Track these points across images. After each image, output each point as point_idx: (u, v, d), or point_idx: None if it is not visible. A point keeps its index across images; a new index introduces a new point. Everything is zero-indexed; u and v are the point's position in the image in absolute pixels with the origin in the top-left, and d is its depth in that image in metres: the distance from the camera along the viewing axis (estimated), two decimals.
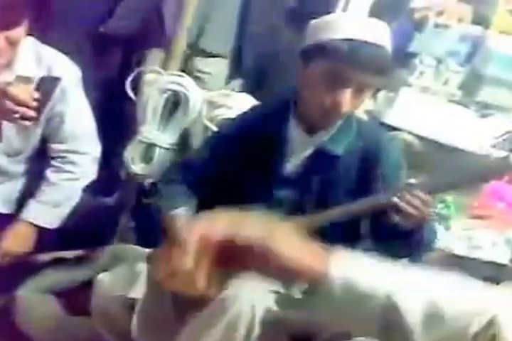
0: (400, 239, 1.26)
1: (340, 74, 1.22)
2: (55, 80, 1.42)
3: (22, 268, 1.78)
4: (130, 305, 1.32)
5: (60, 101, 1.48)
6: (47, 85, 1.39)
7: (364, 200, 1.27)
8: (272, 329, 1.23)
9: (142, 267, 1.38)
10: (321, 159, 1.33)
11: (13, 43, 1.36)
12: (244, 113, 1.49)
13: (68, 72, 1.49)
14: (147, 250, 1.57)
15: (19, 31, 1.37)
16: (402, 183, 1.31)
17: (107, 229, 1.75)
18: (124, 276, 1.37)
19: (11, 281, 1.67)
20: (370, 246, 1.51)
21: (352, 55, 1.19)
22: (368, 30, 1.22)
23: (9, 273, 1.75)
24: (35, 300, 1.61)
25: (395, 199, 1.20)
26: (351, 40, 1.20)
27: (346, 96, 1.23)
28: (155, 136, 1.77)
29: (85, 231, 1.60)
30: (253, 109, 1.54)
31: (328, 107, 1.25)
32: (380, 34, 1.24)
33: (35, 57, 1.46)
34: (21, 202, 1.57)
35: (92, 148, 1.59)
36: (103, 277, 1.37)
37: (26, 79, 1.38)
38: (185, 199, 1.36)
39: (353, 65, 1.20)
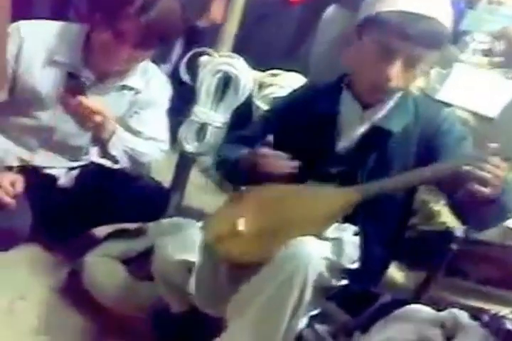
0: (480, 207, 1.28)
1: (389, 46, 1.30)
2: None
3: (88, 239, 1.96)
4: (188, 267, 1.46)
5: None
6: None
7: (433, 167, 1.30)
8: (318, 296, 1.32)
9: (198, 234, 1.52)
10: (377, 136, 1.41)
11: (137, 61, 1.64)
12: (295, 91, 1.57)
13: (161, 89, 1.79)
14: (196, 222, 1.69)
15: (149, 54, 1.63)
16: (473, 152, 1.34)
17: (161, 205, 1.91)
18: (181, 241, 1.50)
19: (79, 251, 1.88)
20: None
21: (401, 26, 1.26)
22: (421, 2, 1.27)
23: (77, 242, 1.92)
24: (101, 265, 1.81)
25: (470, 166, 1.22)
26: (402, 12, 1.26)
27: (396, 69, 1.30)
28: (208, 115, 1.90)
29: (142, 205, 1.79)
30: (304, 86, 1.61)
31: (379, 81, 1.33)
32: (434, 7, 1.28)
33: (141, 70, 1.73)
34: None
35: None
36: (162, 241, 1.50)
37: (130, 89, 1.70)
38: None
39: (402, 36, 1.26)
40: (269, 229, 1.38)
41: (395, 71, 1.29)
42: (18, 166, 1.74)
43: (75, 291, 1.84)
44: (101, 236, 1.99)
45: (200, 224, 1.56)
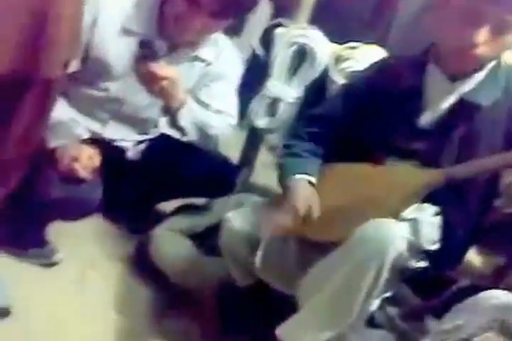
0: None
1: (477, 10, 1.22)
2: None
3: (154, 213, 1.97)
4: (255, 242, 1.47)
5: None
6: None
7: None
8: (393, 278, 1.28)
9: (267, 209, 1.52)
10: (464, 109, 1.36)
11: (210, 31, 1.64)
12: (375, 64, 1.51)
13: (232, 62, 1.78)
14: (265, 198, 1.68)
15: (223, 25, 1.62)
16: None
17: (229, 181, 1.91)
18: (250, 215, 1.52)
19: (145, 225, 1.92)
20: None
21: None
22: None
23: (143, 216, 1.95)
24: (169, 238, 1.84)
25: None
26: None
27: (483, 34, 1.25)
28: (280, 90, 1.87)
29: (210, 180, 1.79)
30: (385, 60, 1.56)
31: (465, 47, 1.26)
32: None
33: (212, 42, 1.73)
34: None
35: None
36: (231, 215, 1.49)
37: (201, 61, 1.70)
38: (309, 162, 1.46)
39: (492, 0, 1.23)
40: (345, 208, 1.36)
41: (483, 37, 1.25)
42: (88, 139, 1.76)
43: (142, 263, 1.88)
44: (167, 211, 2.02)
45: (268, 200, 1.55)
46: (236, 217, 1.52)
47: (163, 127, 1.83)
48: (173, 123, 1.72)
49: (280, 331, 1.43)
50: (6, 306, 1.19)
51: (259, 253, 1.43)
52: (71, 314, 1.67)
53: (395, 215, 1.30)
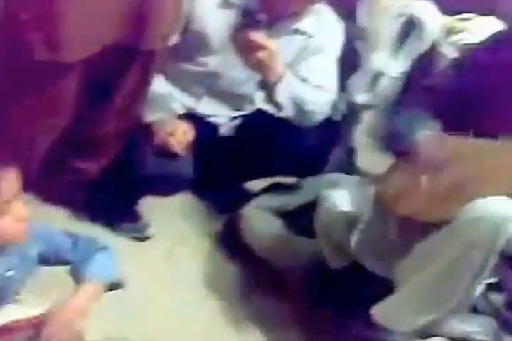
0: None
1: None
2: None
3: (244, 192, 1.99)
4: (352, 222, 1.46)
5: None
6: None
7: None
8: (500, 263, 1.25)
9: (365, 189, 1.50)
10: None
11: (313, 2, 1.62)
12: (493, 37, 1.43)
13: (333, 35, 1.73)
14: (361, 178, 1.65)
15: None
16: None
17: (322, 159, 1.87)
18: (349, 194, 1.50)
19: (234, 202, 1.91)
20: None
21: None
22: None
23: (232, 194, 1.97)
24: (259, 217, 1.83)
25: None
26: None
27: None
28: (385, 63, 1.80)
29: (303, 159, 1.76)
30: (503, 33, 1.47)
31: None
32: None
33: (314, 14, 1.69)
34: None
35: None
36: (329, 194, 1.48)
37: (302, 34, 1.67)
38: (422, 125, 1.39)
39: None
40: (454, 187, 1.31)
41: None
42: (182, 114, 1.76)
43: (230, 240, 1.89)
44: (256, 190, 2.01)
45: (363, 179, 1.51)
46: (336, 196, 1.50)
47: (259, 102, 1.81)
48: (270, 98, 1.69)
49: (375, 311, 1.42)
50: (120, 281, 1.22)
51: (357, 234, 1.41)
52: (160, 289, 1.69)
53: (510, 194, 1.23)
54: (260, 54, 1.55)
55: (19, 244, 1.11)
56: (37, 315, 1.16)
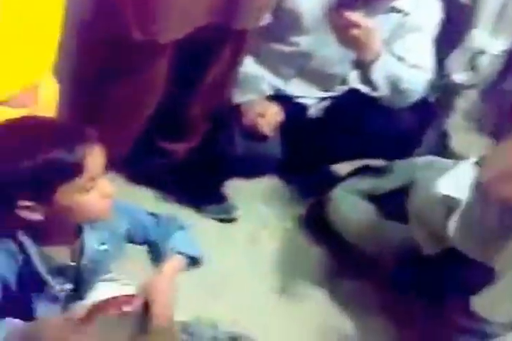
0: None
1: None
2: None
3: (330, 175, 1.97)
4: (449, 206, 1.41)
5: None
6: None
7: None
8: None
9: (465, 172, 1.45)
10: None
11: None
12: None
13: (431, 12, 1.69)
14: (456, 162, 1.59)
15: None
16: None
17: (414, 141, 1.81)
18: (447, 177, 1.45)
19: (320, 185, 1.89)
20: None
21: None
22: None
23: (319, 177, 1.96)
24: (348, 200, 1.80)
25: None
26: None
27: None
28: (486, 41, 1.72)
29: (394, 141, 1.71)
30: None
31: None
32: None
33: None
34: None
35: None
36: (426, 177, 1.43)
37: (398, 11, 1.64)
38: None
39: None
40: None
41: None
42: (271, 95, 1.75)
43: (317, 224, 1.86)
44: (343, 173, 1.97)
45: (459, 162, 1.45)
46: (434, 179, 1.45)
47: (353, 82, 1.77)
48: (365, 78, 1.65)
49: (475, 301, 1.38)
50: (201, 258, 1.23)
51: (456, 219, 1.37)
52: (241, 270, 1.70)
53: None
54: (356, 32, 1.52)
55: (105, 220, 1.12)
56: (129, 293, 1.19)
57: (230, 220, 1.86)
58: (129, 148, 1.69)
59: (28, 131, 1.03)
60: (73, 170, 1.00)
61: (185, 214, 1.77)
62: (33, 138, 1.01)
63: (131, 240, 1.23)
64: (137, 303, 1.12)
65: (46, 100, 1.20)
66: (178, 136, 1.79)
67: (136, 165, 1.82)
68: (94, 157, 1.03)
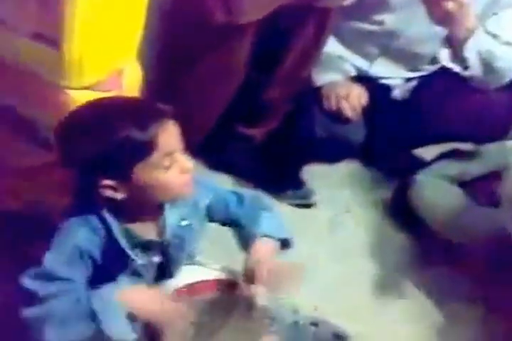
0: None
1: None
2: None
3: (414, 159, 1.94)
4: None
5: None
6: None
7: None
8: None
9: None
10: None
11: None
12: None
13: None
14: None
15: None
16: None
17: (505, 124, 1.74)
18: None
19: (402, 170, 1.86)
20: None
21: None
22: None
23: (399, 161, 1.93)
24: (434, 185, 1.74)
25: None
26: None
27: None
28: None
29: (481, 123, 1.66)
30: None
31: None
32: None
33: None
34: None
35: None
36: None
37: None
38: None
39: None
40: None
41: None
42: (354, 76, 1.71)
43: (400, 209, 1.82)
44: (428, 157, 1.92)
45: None
46: None
47: (444, 60, 1.71)
48: (456, 56, 1.59)
49: None
50: (290, 239, 1.22)
51: None
52: (325, 257, 1.68)
53: None
54: (450, 5, 1.46)
55: (187, 197, 1.12)
56: (217, 278, 1.19)
57: (309, 206, 1.84)
58: (208, 133, 1.69)
59: (102, 110, 1.05)
60: (146, 148, 1.00)
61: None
62: (107, 117, 1.02)
63: (211, 217, 1.22)
64: (236, 288, 1.13)
65: (130, 85, 1.21)
66: (257, 120, 1.78)
67: (214, 150, 1.82)
68: (168, 134, 1.03)
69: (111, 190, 1.03)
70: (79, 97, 1.11)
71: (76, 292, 1.04)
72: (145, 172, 1.02)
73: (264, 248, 1.15)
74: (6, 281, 1.27)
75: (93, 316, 1.01)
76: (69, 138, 1.03)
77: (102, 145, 0.99)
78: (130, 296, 1.06)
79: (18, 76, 1.13)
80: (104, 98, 1.11)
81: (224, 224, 1.26)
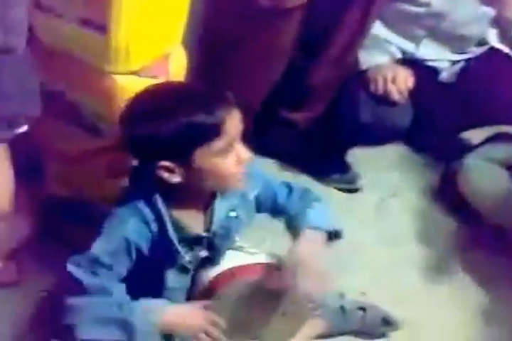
0: None
1: None
2: None
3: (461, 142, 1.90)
4: None
5: None
6: None
7: None
8: None
9: None
10: None
11: None
12: None
13: None
14: None
15: None
16: None
17: None
18: None
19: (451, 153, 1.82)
20: None
21: None
22: None
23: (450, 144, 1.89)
24: (483, 169, 1.71)
25: None
26: None
27: None
28: None
29: None
30: None
31: None
32: None
33: None
34: None
35: None
36: None
37: None
38: None
39: None
40: None
41: None
42: (400, 59, 1.68)
43: (447, 194, 1.79)
44: (476, 140, 1.89)
45: None
46: None
47: (493, 41, 1.68)
48: (505, 36, 1.58)
49: None
50: (340, 231, 1.21)
51: None
52: (368, 241, 1.67)
53: None
54: None
55: (237, 189, 1.12)
56: (258, 262, 1.20)
57: (355, 190, 1.82)
58: (253, 118, 1.69)
59: (169, 94, 1.06)
60: (212, 132, 1.02)
61: (308, 184, 1.75)
62: (175, 101, 1.03)
63: (258, 207, 1.23)
64: (279, 275, 1.12)
65: (176, 70, 1.22)
66: (301, 105, 1.77)
67: (258, 135, 1.82)
68: (233, 121, 1.04)
69: (168, 172, 1.04)
70: (125, 83, 1.13)
71: (119, 295, 1.07)
72: (205, 157, 1.03)
73: (310, 240, 1.15)
74: (54, 267, 1.31)
75: (130, 327, 1.03)
76: (134, 122, 1.05)
77: (169, 128, 1.00)
78: (170, 317, 1.07)
79: (66, 62, 1.16)
80: (168, 82, 1.13)
81: (272, 215, 1.26)
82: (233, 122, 1.04)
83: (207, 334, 1.09)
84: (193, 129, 1.01)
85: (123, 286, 1.09)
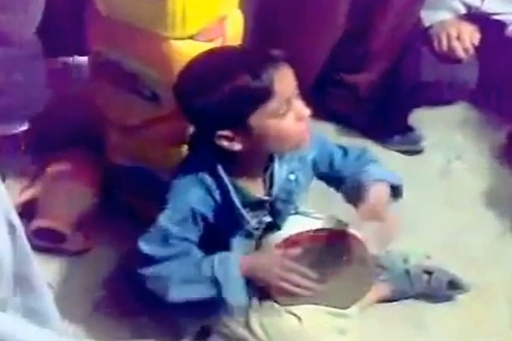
0: None
1: None
2: None
3: None
4: None
5: None
6: None
7: None
8: None
9: None
10: None
11: None
12: None
13: None
14: None
15: None
16: None
17: None
18: None
19: None
20: None
21: None
22: None
23: None
24: None
25: None
26: None
27: None
28: None
29: None
30: None
31: None
32: None
33: None
34: None
35: None
36: None
37: None
38: None
39: None
40: None
41: None
42: (465, 14, 1.61)
43: None
44: None
45: None
46: None
47: None
48: None
49: None
50: (401, 185, 1.18)
51: None
52: (432, 204, 1.62)
53: None
54: None
55: (304, 145, 1.09)
56: (322, 227, 1.17)
57: (417, 152, 1.77)
58: (312, 82, 1.65)
59: (215, 61, 1.05)
60: (262, 95, 0.99)
61: (369, 146, 1.69)
62: (222, 68, 1.02)
63: (315, 170, 1.20)
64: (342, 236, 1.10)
65: (232, 33, 1.20)
66: (362, 69, 1.71)
67: (318, 98, 1.77)
68: (283, 80, 1.01)
69: (228, 140, 1.03)
70: (182, 47, 1.11)
71: (194, 255, 1.08)
72: (261, 121, 1.01)
73: (379, 190, 1.12)
74: (123, 240, 1.33)
75: (215, 282, 1.05)
76: (187, 91, 1.04)
77: (218, 95, 0.99)
78: (249, 264, 1.08)
79: (123, 30, 1.14)
80: (215, 48, 1.11)
81: (327, 182, 1.24)
82: (284, 81, 1.01)
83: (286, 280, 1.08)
84: (241, 95, 0.99)
85: (196, 250, 1.10)
